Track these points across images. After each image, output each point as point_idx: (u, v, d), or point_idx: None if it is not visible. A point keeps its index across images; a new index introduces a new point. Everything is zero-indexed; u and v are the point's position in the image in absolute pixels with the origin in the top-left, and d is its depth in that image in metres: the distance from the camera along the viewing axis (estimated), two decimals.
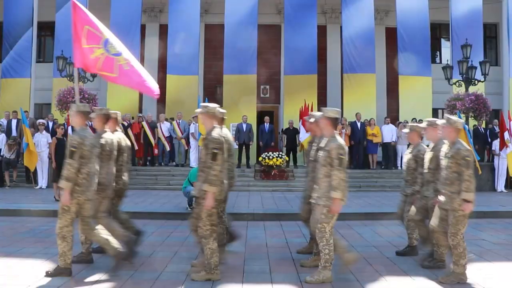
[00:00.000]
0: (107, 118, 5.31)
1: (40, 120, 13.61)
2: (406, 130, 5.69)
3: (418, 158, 5.43)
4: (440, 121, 4.95)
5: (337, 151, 4.35)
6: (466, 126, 13.11)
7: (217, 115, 4.65)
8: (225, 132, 4.82)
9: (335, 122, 4.56)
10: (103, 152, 5.05)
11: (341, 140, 4.47)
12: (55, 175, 10.07)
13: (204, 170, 4.45)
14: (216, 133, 4.48)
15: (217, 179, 4.41)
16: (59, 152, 10.12)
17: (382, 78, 17.23)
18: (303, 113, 14.69)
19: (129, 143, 5.76)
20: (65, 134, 11.70)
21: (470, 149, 4.57)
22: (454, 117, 4.68)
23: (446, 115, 4.83)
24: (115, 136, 5.37)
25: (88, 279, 4.51)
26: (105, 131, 5.24)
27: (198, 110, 4.65)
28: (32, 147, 12.02)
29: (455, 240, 4.44)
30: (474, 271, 4.84)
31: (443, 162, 4.60)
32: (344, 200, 4.41)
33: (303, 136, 14.31)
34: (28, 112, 14.24)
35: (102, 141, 5.07)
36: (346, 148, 4.52)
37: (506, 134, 12.68)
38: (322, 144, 4.58)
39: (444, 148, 4.66)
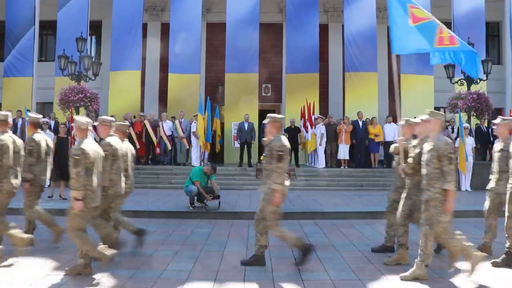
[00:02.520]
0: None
1: (44, 119, 13.62)
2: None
3: None
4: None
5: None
6: (467, 124, 13.10)
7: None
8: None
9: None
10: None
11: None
12: (55, 173, 10.07)
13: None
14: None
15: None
16: (59, 151, 10.14)
17: (384, 77, 17.20)
18: (305, 112, 14.73)
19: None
20: (68, 132, 11.74)
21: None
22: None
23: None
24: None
25: (88, 279, 4.51)
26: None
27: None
28: None
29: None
30: (480, 271, 4.83)
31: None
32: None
33: (307, 135, 14.35)
34: (31, 111, 14.26)
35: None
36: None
37: None
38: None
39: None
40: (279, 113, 17.40)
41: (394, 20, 6.34)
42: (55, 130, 12.66)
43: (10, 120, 5.46)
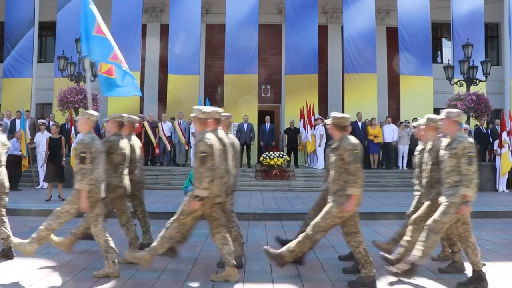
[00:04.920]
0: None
1: (41, 120, 13.62)
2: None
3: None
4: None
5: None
6: (467, 125, 13.11)
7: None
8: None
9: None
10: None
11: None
12: (49, 175, 10.06)
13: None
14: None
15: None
16: (53, 152, 10.12)
17: (383, 78, 17.22)
18: (305, 113, 14.73)
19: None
20: (62, 133, 11.71)
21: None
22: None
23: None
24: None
25: (88, 280, 4.51)
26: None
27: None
28: (23, 150, 11.96)
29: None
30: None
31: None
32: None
33: (305, 136, 14.36)
34: (29, 112, 14.25)
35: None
36: None
37: (504, 134, 12.66)
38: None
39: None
40: (278, 114, 17.64)
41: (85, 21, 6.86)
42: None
43: None
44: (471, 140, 4.44)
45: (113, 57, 6.59)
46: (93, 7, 6.89)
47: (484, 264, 4.51)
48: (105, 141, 5.23)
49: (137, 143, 5.83)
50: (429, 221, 4.42)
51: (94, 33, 6.54)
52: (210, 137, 4.52)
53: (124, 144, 5.32)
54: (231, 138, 5.27)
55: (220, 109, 5.07)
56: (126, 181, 5.31)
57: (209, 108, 4.88)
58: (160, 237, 4.52)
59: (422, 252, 4.34)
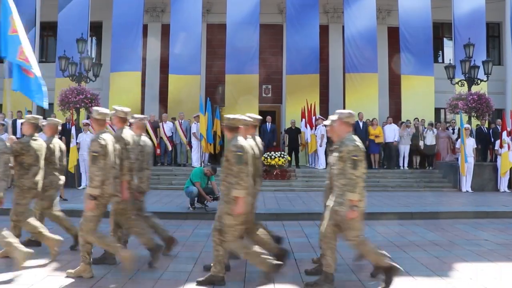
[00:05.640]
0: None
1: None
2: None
3: None
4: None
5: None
6: (468, 125, 13.10)
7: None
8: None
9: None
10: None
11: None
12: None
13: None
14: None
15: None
16: None
17: (384, 78, 17.20)
18: (305, 113, 14.73)
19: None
20: (63, 133, 11.71)
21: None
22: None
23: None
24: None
25: (88, 280, 4.51)
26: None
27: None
28: None
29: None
30: (477, 272, 4.84)
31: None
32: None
33: (308, 136, 14.35)
34: (31, 112, 14.26)
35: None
36: None
37: (504, 134, 12.64)
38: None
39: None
40: (279, 114, 17.64)
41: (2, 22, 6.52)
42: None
43: None
44: (358, 143, 4.21)
45: (20, 53, 6.46)
46: (10, 1, 6.51)
47: (335, 269, 4.34)
48: (16, 142, 5.37)
49: (58, 146, 5.95)
50: (322, 233, 4.32)
51: (10, 33, 6.38)
52: (105, 137, 4.61)
53: (37, 145, 5.47)
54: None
55: (126, 109, 5.21)
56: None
57: (104, 110, 4.92)
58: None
59: (326, 262, 4.28)
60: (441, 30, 18.62)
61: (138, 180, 5.26)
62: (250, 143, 4.78)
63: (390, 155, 14.41)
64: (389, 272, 4.28)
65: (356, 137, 4.27)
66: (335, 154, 4.34)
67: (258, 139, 5.27)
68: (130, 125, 5.44)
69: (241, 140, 4.40)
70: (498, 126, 13.64)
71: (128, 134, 5.11)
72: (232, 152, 4.31)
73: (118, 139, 4.91)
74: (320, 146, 13.91)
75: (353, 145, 4.18)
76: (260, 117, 5.60)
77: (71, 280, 4.49)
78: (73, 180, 12.08)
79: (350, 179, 4.13)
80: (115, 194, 4.71)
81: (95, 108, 4.90)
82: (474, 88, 13.83)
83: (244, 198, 4.29)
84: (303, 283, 4.43)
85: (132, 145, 5.09)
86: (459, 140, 12.89)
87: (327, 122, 4.61)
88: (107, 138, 4.62)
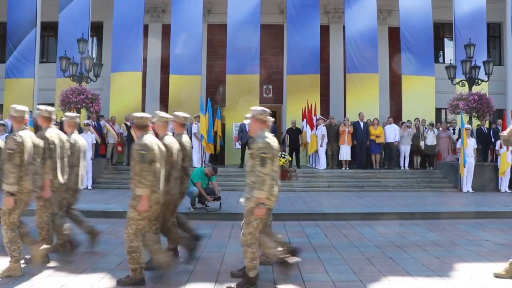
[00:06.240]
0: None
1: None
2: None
3: None
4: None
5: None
6: (469, 125, 13.09)
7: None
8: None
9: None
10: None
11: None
12: None
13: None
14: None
15: None
16: None
17: (385, 78, 17.20)
18: (306, 113, 14.73)
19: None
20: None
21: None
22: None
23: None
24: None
25: (89, 280, 4.52)
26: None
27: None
28: None
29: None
30: (478, 272, 4.83)
31: None
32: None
33: (309, 136, 14.35)
34: (32, 112, 14.28)
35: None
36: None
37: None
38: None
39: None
40: (279, 114, 17.63)
41: None
42: None
43: None
44: (269, 140, 4.26)
45: None
46: None
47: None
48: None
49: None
50: (240, 238, 4.32)
51: None
52: (23, 134, 4.58)
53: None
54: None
55: (51, 108, 5.26)
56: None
57: (23, 107, 4.83)
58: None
59: (248, 267, 4.24)
60: (442, 30, 18.62)
61: (67, 177, 5.33)
62: (170, 140, 4.90)
63: (391, 155, 14.40)
64: (249, 282, 4.25)
65: (269, 134, 4.31)
66: (248, 151, 4.33)
67: (185, 138, 5.35)
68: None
69: (146, 138, 4.39)
70: (498, 126, 13.63)
71: (53, 133, 5.18)
72: (136, 151, 4.33)
73: (42, 138, 4.96)
74: (321, 146, 13.92)
75: (263, 142, 4.23)
76: (188, 116, 5.62)
77: (72, 280, 4.50)
78: None
79: (258, 177, 4.16)
80: (34, 190, 4.73)
81: (12, 105, 4.84)
82: (475, 88, 13.82)
83: (148, 196, 4.28)
84: (303, 283, 4.44)
85: (59, 143, 5.17)
86: (459, 140, 12.89)
87: (246, 121, 4.72)
88: (25, 135, 4.60)
